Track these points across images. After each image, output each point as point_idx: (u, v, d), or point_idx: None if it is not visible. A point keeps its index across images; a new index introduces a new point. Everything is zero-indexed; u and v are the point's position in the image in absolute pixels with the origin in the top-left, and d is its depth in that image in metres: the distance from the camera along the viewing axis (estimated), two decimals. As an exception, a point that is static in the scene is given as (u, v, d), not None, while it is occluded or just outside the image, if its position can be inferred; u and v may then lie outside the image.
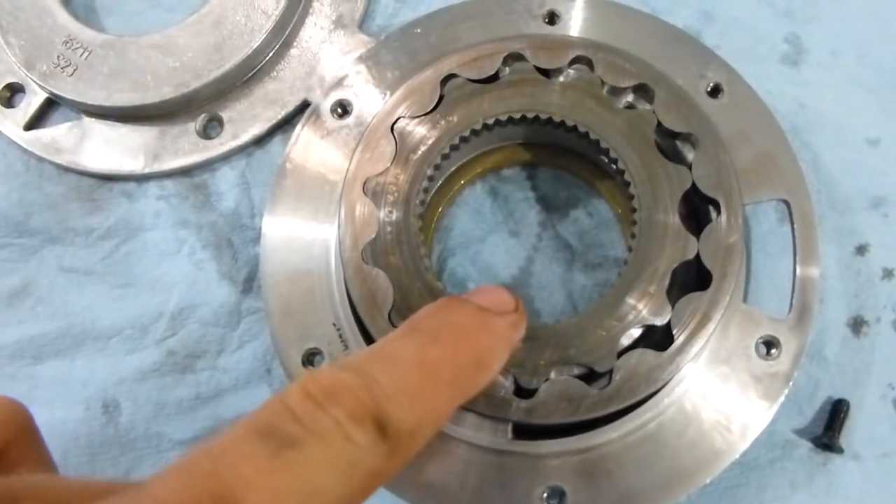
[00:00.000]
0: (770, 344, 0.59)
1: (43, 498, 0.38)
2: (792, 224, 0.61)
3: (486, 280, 0.67)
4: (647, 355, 0.54)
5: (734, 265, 0.55)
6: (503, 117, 0.58)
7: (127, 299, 0.68)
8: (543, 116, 0.58)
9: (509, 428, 0.57)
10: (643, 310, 0.54)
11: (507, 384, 0.53)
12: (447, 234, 0.68)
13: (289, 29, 0.71)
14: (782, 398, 0.58)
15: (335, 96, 0.65)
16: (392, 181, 0.57)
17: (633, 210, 0.56)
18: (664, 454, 0.57)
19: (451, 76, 0.59)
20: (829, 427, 0.63)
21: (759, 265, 0.65)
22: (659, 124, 0.58)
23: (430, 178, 0.59)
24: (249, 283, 0.68)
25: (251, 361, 0.67)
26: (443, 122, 0.58)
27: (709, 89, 0.63)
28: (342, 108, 0.65)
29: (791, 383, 0.59)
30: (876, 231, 0.67)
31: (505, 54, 0.59)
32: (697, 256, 0.55)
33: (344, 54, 0.70)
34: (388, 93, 0.64)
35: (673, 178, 0.56)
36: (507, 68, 0.59)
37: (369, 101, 0.64)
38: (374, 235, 0.56)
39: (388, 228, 0.57)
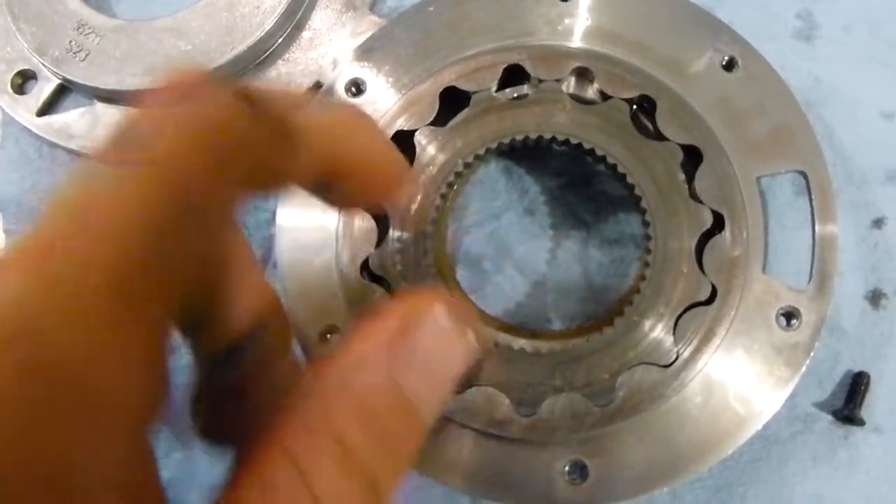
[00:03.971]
0: (790, 315, 0.58)
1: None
2: (809, 193, 0.60)
3: (502, 257, 0.67)
4: (651, 371, 0.54)
5: (738, 279, 0.56)
6: (506, 140, 0.58)
7: (141, 283, 0.68)
8: (547, 136, 0.58)
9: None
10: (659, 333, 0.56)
11: (507, 402, 0.54)
12: (462, 213, 0.67)
13: (300, 11, 0.71)
14: (803, 369, 0.58)
15: (349, 75, 0.64)
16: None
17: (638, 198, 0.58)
18: (686, 426, 0.57)
19: (450, 88, 0.59)
20: (849, 400, 0.63)
21: (777, 238, 0.64)
22: (633, 111, 0.59)
23: (443, 196, 0.59)
24: (265, 264, 0.68)
25: (267, 342, 0.66)
26: (457, 142, 0.59)
27: (724, 63, 0.63)
28: (356, 87, 0.64)
29: (812, 354, 0.58)
30: (892, 204, 0.67)
31: (504, 66, 0.59)
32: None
33: (355, 36, 0.69)
34: (403, 70, 0.63)
35: (664, 156, 0.58)
36: (532, 87, 0.60)
37: (383, 79, 0.64)
38: (371, 251, 0.57)
39: (398, 256, 0.58)
